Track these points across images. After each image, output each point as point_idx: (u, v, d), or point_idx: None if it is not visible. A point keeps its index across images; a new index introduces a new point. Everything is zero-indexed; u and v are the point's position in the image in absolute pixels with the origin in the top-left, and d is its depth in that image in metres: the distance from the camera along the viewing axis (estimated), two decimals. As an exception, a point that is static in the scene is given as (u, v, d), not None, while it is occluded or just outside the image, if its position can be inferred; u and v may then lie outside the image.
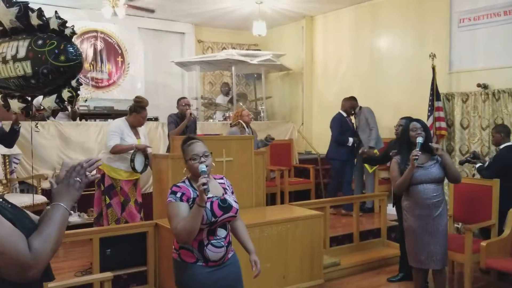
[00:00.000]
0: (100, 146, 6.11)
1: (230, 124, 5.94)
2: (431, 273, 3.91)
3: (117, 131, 4.55)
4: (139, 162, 4.55)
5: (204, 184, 2.31)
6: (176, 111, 5.80)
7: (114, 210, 4.58)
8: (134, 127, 4.71)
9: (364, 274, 4.85)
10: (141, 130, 4.83)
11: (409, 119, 3.97)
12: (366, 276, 4.79)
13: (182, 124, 5.52)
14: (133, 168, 4.52)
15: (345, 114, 6.71)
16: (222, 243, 2.50)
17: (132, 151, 4.53)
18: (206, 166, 2.45)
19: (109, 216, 4.58)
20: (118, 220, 4.56)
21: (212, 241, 2.47)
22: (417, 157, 3.53)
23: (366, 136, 6.55)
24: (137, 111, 4.62)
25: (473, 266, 4.22)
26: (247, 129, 5.54)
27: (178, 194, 2.47)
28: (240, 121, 5.59)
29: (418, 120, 3.80)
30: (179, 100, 5.88)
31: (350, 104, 6.72)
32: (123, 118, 4.73)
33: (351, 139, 6.54)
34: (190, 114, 5.57)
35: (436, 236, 3.65)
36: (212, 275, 2.48)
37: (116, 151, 4.51)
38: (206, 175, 2.38)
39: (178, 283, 2.55)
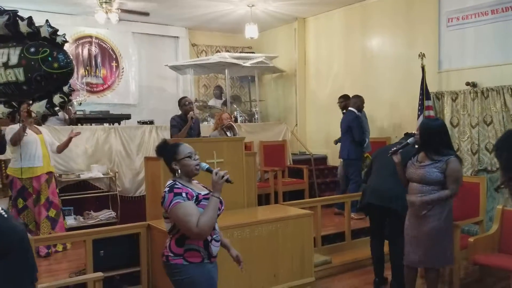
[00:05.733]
0: (91, 150, 6.11)
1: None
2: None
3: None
4: None
5: (223, 175, 2.49)
6: (178, 112, 5.61)
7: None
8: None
9: (355, 272, 4.92)
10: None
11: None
12: (357, 274, 4.86)
13: (185, 127, 5.38)
14: None
15: (357, 112, 6.49)
16: (219, 237, 2.62)
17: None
18: None
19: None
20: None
21: (214, 236, 2.55)
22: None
23: None
24: None
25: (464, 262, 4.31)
26: (228, 133, 5.60)
27: (184, 194, 2.46)
28: (219, 126, 5.64)
29: (423, 123, 3.86)
30: (180, 100, 5.66)
31: (361, 101, 6.53)
32: None
33: (367, 140, 6.45)
34: (192, 117, 5.41)
35: (418, 235, 3.66)
36: (215, 271, 2.61)
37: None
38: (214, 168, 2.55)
39: (185, 285, 2.51)
